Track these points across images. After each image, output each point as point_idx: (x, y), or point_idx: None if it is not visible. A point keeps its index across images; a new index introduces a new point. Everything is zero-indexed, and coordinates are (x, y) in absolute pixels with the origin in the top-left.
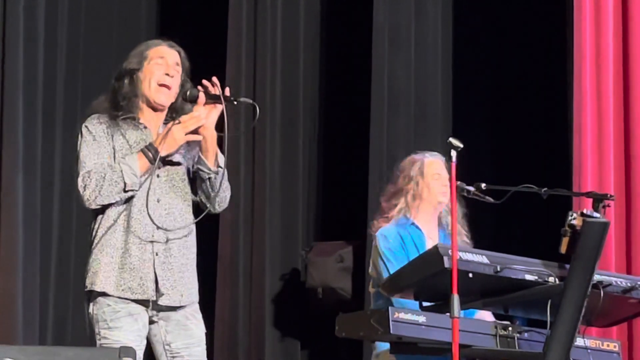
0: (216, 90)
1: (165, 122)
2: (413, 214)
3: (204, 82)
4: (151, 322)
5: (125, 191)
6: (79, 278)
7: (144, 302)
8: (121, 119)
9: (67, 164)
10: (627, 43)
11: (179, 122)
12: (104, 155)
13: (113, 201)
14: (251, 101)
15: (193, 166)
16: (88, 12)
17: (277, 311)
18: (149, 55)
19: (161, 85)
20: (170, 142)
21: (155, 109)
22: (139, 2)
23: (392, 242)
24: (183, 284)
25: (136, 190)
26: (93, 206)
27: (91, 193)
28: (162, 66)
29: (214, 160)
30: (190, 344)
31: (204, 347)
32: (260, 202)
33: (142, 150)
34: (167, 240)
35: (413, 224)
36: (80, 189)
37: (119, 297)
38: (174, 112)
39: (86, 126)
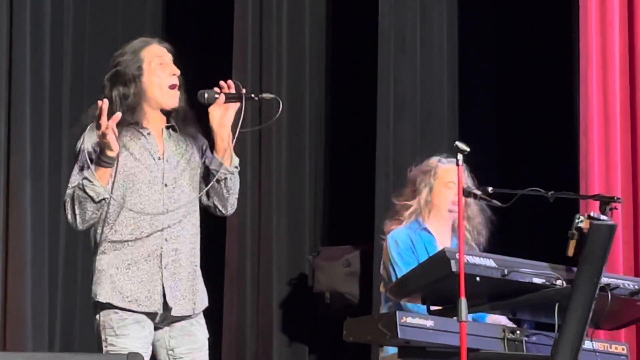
0: (232, 90)
1: (167, 126)
2: (425, 218)
3: (221, 83)
4: (156, 328)
5: (97, 202)
6: (87, 284)
7: (150, 315)
8: (124, 129)
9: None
10: (634, 46)
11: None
12: None
13: (93, 215)
14: (273, 95)
15: (204, 165)
16: (93, 18)
17: (285, 316)
18: (145, 57)
19: (171, 87)
20: (101, 141)
21: (165, 113)
22: (143, 8)
23: (402, 246)
24: (193, 292)
25: (107, 197)
26: (80, 227)
27: (72, 217)
28: (165, 66)
29: (230, 160)
30: (193, 349)
31: (207, 352)
32: (266, 207)
33: (94, 162)
34: (177, 251)
35: (425, 229)
36: (66, 218)
37: (124, 309)
38: (174, 111)
39: (83, 140)
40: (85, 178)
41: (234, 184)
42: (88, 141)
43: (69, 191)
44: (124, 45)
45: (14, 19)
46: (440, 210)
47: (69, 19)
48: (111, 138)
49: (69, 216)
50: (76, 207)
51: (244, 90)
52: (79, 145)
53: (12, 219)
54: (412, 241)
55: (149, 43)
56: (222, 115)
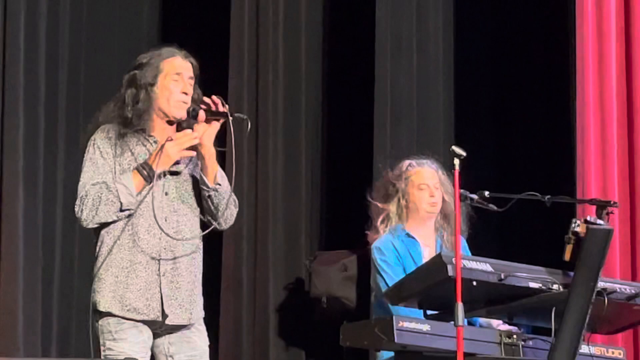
0: (219, 108)
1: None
2: (405, 223)
3: (205, 99)
4: (155, 334)
5: (121, 210)
6: (83, 290)
7: (149, 323)
8: (131, 133)
9: (70, 174)
10: (630, 49)
11: (171, 139)
12: (106, 173)
13: (110, 220)
14: (245, 116)
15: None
16: (89, 23)
17: (282, 321)
18: (164, 69)
19: (180, 102)
20: (164, 159)
21: (170, 123)
22: (140, 13)
23: (387, 254)
24: (191, 302)
25: (133, 210)
26: (91, 225)
27: (88, 214)
28: (179, 83)
29: (212, 177)
30: (192, 356)
31: (207, 359)
32: (263, 212)
33: (136, 169)
34: (175, 259)
35: (408, 234)
36: (77, 212)
37: (124, 318)
38: (183, 123)
39: (94, 140)
40: (122, 183)
41: (220, 201)
42: (100, 140)
43: (91, 189)
44: (121, 51)
45: (7, 24)
46: (418, 213)
47: (65, 25)
48: (175, 156)
49: (85, 212)
50: (100, 205)
51: (226, 108)
52: (91, 143)
53: (4, 224)
54: (395, 247)
55: (174, 54)
56: (202, 134)
